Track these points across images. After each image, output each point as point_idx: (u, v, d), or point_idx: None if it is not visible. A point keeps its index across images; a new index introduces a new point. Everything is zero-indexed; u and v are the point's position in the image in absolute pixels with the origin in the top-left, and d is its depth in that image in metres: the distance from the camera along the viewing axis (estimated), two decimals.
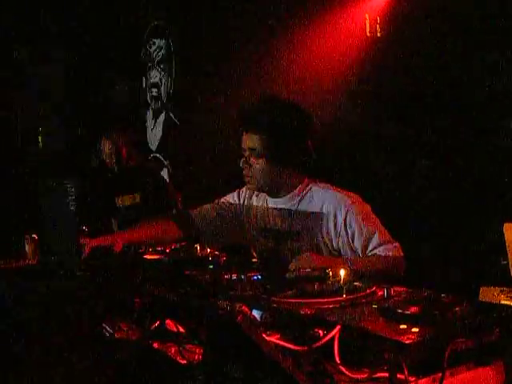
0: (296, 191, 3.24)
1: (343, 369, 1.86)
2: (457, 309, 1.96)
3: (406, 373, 1.70)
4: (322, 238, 3.12)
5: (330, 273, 2.36)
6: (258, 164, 3.18)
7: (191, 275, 2.51)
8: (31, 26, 6.55)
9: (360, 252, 3.01)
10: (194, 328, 2.24)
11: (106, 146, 5.15)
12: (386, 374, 1.76)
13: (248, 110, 3.28)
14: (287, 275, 2.53)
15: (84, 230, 3.24)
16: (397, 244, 3.04)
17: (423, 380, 1.78)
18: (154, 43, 7.35)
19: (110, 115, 7.34)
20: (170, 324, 2.35)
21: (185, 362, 2.15)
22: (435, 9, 4.40)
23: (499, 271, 3.23)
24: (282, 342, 1.95)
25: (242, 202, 3.45)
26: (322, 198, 3.17)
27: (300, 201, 3.23)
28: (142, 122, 7.53)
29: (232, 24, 5.89)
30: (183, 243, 3.13)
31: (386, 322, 1.88)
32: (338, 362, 1.86)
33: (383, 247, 3.00)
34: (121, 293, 2.58)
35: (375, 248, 3.00)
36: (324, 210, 3.13)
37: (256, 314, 2.11)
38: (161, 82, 7.31)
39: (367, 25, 4.90)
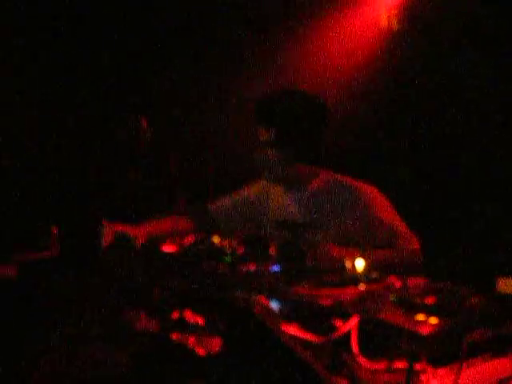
0: (312, 183, 3.24)
1: (361, 359, 1.87)
2: (474, 300, 1.96)
3: (424, 363, 1.71)
4: (339, 229, 3.12)
5: (348, 264, 2.37)
6: (274, 156, 3.18)
7: (209, 267, 2.52)
8: None
9: (377, 244, 3.01)
10: (212, 319, 2.26)
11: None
12: (404, 365, 1.77)
13: (263, 103, 3.28)
14: (305, 266, 2.54)
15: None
16: (414, 236, 3.04)
17: (440, 370, 1.79)
18: None
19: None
20: (188, 315, 2.36)
21: (203, 353, 2.16)
22: (451, 1, 4.39)
23: None
24: (299, 333, 1.96)
25: (258, 193, 3.46)
26: (339, 190, 3.17)
27: (316, 192, 3.23)
28: None
29: (246, 17, 5.89)
30: (201, 235, 3.14)
31: (403, 312, 1.88)
32: (356, 352, 1.87)
33: (400, 239, 3.00)
34: (140, 284, 2.59)
35: (392, 240, 3.00)
36: (341, 202, 3.13)
37: (274, 305, 2.12)
38: None
39: (384, 18, 4.89)
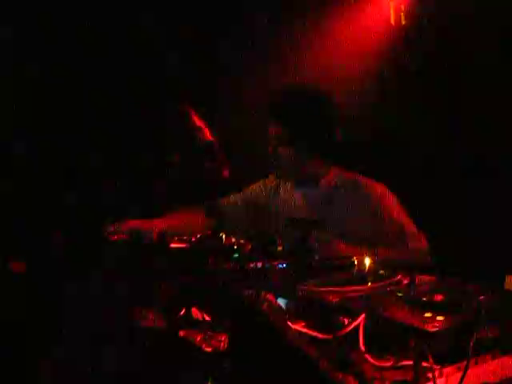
0: (323, 180, 3.24)
1: (368, 357, 1.86)
2: (482, 297, 1.96)
3: (431, 361, 1.71)
4: (349, 227, 3.12)
5: (356, 261, 2.37)
6: (285, 152, 3.19)
7: (217, 263, 2.52)
8: None
9: (386, 241, 3.01)
10: (219, 316, 2.26)
11: None
12: (411, 362, 1.77)
13: (275, 99, 3.29)
14: (313, 264, 2.53)
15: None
16: (422, 235, 3.04)
17: (448, 368, 1.78)
18: None
19: None
20: (195, 312, 2.36)
21: (210, 349, 2.16)
22: None
23: None
24: (306, 330, 1.96)
25: (268, 191, 3.46)
26: (349, 188, 3.17)
27: (327, 190, 3.23)
28: None
29: (257, 12, 5.87)
30: (209, 232, 3.15)
31: (410, 310, 1.88)
32: (363, 350, 1.87)
33: (409, 238, 3.01)
34: (147, 281, 2.60)
35: (401, 238, 3.00)
36: (351, 200, 3.13)
37: (281, 302, 2.12)
38: None
39: (392, 13, 4.88)
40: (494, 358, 1.88)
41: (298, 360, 1.78)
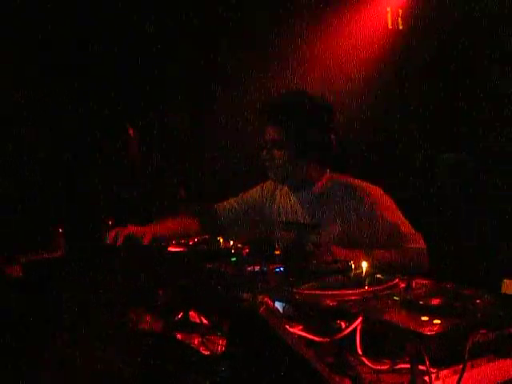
0: (318, 184, 3.25)
1: (365, 360, 1.87)
2: (478, 301, 1.96)
3: (428, 364, 1.71)
4: (344, 230, 3.13)
5: (352, 265, 2.38)
6: (281, 156, 3.19)
7: (214, 267, 2.53)
8: None
9: (382, 244, 3.01)
10: (217, 319, 2.26)
11: None
12: (408, 366, 1.78)
13: (272, 102, 3.30)
14: (310, 267, 2.54)
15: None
16: (419, 236, 3.05)
17: (444, 371, 1.79)
18: None
19: None
20: (193, 315, 2.37)
21: (208, 353, 2.17)
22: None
23: None
24: (304, 334, 1.96)
25: (265, 195, 3.47)
26: (344, 191, 3.18)
27: (322, 194, 3.24)
28: None
29: (258, 14, 5.88)
30: (206, 236, 3.15)
31: (407, 313, 1.88)
32: (360, 353, 1.88)
33: (405, 239, 3.01)
34: (144, 284, 2.60)
35: (397, 240, 3.01)
36: (346, 203, 3.14)
37: (279, 305, 2.13)
38: None
39: (389, 18, 4.90)
40: (490, 361, 1.88)
41: (296, 363, 1.79)
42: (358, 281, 2.24)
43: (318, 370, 1.76)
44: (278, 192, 3.44)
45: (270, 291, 2.15)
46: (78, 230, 3.31)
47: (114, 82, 5.36)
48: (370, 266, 2.34)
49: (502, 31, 4.26)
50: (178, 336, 2.32)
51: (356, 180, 3.23)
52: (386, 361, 1.86)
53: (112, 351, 2.41)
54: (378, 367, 1.86)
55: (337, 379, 1.75)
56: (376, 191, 3.16)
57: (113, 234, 3.08)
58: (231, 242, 2.94)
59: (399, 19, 4.84)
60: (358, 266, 2.35)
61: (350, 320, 1.91)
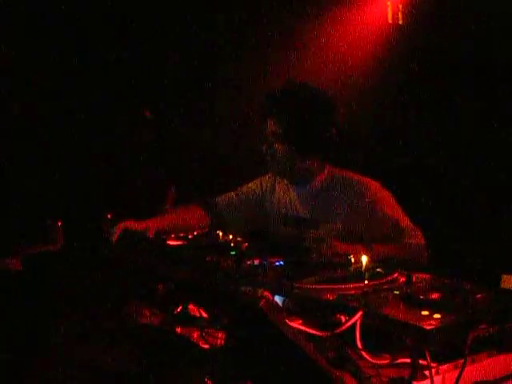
0: (318, 178, 3.24)
1: (365, 354, 1.87)
2: (478, 296, 1.96)
3: (428, 359, 1.71)
4: (344, 224, 3.12)
5: (352, 259, 2.37)
6: (281, 149, 3.19)
7: (214, 261, 2.52)
8: None
9: (382, 239, 3.01)
10: (216, 313, 2.26)
11: None
12: (408, 360, 1.77)
13: (272, 95, 3.28)
14: (310, 261, 2.53)
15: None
16: (418, 231, 3.04)
17: (445, 366, 1.79)
18: None
19: None
20: (192, 309, 2.37)
21: (207, 346, 2.17)
22: None
23: None
24: (304, 328, 1.96)
25: (265, 189, 3.46)
26: (344, 186, 3.17)
27: (322, 188, 3.23)
28: None
29: (259, 10, 5.86)
30: (206, 229, 3.15)
31: (407, 308, 1.88)
32: (360, 347, 1.87)
33: (405, 234, 3.01)
34: (144, 278, 2.60)
35: (397, 235, 3.01)
36: (345, 198, 3.14)
37: (278, 299, 2.12)
38: None
39: (389, 12, 4.90)
40: (490, 356, 1.88)
41: (295, 357, 1.78)
42: (358, 275, 2.23)
43: (318, 364, 1.76)
44: (277, 185, 3.43)
45: (269, 285, 2.14)
46: (76, 223, 3.29)
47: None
48: (370, 260, 2.33)
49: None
50: (178, 330, 2.32)
51: (356, 175, 3.23)
52: (386, 355, 1.86)
53: (111, 345, 2.41)
54: (378, 362, 1.86)
55: (337, 373, 1.75)
56: (376, 186, 3.15)
57: (113, 227, 3.06)
58: (231, 236, 2.93)
59: (399, 14, 4.83)
60: (358, 261, 2.34)
61: (350, 314, 1.90)
